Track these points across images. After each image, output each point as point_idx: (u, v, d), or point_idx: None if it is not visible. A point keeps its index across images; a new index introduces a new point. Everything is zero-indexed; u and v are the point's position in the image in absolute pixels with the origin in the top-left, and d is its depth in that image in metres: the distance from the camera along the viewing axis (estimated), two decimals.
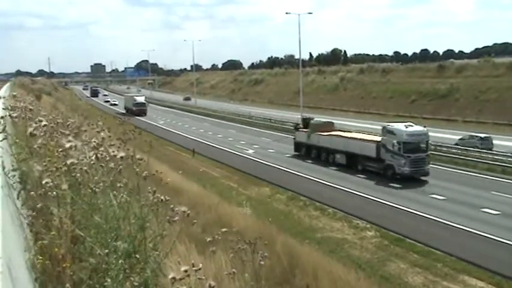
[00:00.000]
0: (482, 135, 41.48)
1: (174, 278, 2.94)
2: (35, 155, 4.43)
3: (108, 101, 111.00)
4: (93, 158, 3.81)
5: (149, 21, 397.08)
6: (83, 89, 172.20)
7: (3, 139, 4.39)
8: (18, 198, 3.98)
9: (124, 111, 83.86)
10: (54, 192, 3.53)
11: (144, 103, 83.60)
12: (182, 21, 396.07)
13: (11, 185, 4.01)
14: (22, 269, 3.06)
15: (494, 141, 40.21)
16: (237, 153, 43.92)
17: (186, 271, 3.00)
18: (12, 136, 4.85)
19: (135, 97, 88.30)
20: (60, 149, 3.83)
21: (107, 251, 3.34)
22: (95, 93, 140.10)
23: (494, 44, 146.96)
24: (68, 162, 3.54)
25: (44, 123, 4.55)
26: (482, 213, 23.80)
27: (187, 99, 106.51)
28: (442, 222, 22.79)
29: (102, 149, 4.02)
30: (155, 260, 3.53)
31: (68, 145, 3.64)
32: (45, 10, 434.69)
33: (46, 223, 3.61)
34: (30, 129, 4.17)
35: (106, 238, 3.45)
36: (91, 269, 3.33)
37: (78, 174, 3.68)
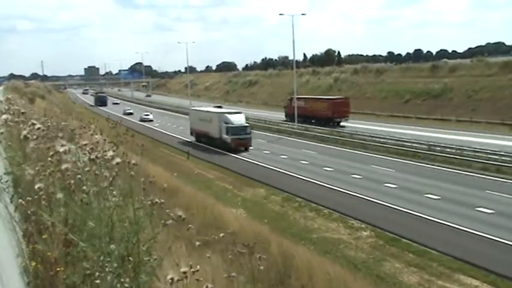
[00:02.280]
0: (219, 105, 75.43)
1: (172, 279, 2.93)
2: (28, 158, 4.41)
3: (130, 113, 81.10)
4: (86, 161, 3.79)
5: (142, 23, 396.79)
6: (83, 93, 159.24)
7: None
8: (11, 203, 3.96)
9: (187, 138, 53.22)
10: (47, 197, 3.51)
11: (247, 127, 45.31)
12: (175, 23, 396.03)
13: (3, 189, 3.99)
14: (14, 273, 3.04)
15: (488, 141, 40.82)
16: (231, 154, 43.89)
17: (184, 272, 3.00)
18: (6, 140, 4.82)
19: (228, 116, 46.30)
20: (52, 153, 3.80)
21: (100, 256, 3.32)
22: (101, 101, 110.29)
23: (487, 43, 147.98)
24: (63, 167, 3.52)
25: (37, 126, 4.52)
26: (477, 212, 23.88)
27: (149, 96, 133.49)
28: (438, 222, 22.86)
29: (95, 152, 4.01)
30: (149, 263, 3.52)
31: (61, 149, 3.62)
32: (37, 13, 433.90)
33: (39, 227, 3.59)
34: (24, 133, 4.15)
35: (99, 242, 3.43)
36: (84, 273, 3.31)
37: (72, 181, 3.66)
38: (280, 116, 69.44)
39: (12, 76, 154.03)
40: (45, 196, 3.57)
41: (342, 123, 59.99)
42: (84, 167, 3.83)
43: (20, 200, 3.79)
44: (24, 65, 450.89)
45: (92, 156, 3.91)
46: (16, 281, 3.03)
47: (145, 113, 76.74)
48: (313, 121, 60.73)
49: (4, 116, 4.12)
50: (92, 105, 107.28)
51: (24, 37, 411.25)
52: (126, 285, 3.24)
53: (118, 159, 3.77)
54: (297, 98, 62.85)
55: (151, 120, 72.14)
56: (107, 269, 3.30)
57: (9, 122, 4.11)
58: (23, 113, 4.90)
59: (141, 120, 71.32)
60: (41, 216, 3.60)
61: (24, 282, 3.19)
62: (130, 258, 3.39)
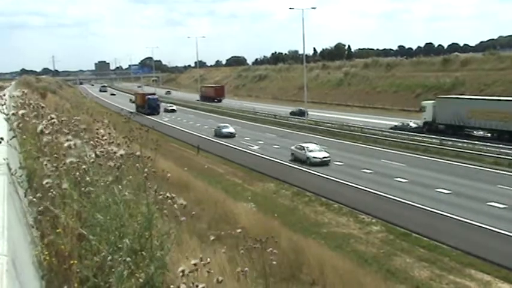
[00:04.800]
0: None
1: (183, 271, 2.94)
2: (42, 153, 4.44)
3: (231, 135, 50.11)
4: (93, 156, 3.83)
5: (152, 18, 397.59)
6: (100, 91, 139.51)
7: (13, 137, 4.40)
8: (25, 197, 3.99)
9: None
10: (58, 191, 3.54)
11: None
12: (184, 18, 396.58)
13: (18, 183, 4.03)
14: (28, 266, 3.07)
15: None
16: (242, 149, 43.94)
17: (195, 265, 3.02)
18: (21, 134, 4.86)
19: None
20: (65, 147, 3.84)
21: (111, 249, 3.35)
22: (152, 108, 73.25)
23: (500, 36, 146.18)
24: (67, 161, 3.55)
25: (52, 121, 4.56)
26: (489, 207, 23.71)
27: (140, 87, 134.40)
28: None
29: (105, 147, 4.04)
30: (161, 257, 3.54)
31: (66, 144, 3.64)
32: (48, 8, 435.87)
33: (52, 221, 3.62)
34: (39, 127, 4.18)
35: (111, 236, 3.45)
36: (97, 266, 3.34)
37: (78, 173, 3.69)
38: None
39: (23, 71, 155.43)
40: (57, 190, 3.60)
41: (352, 117, 60.67)
42: (90, 160, 3.86)
43: (34, 194, 3.83)
44: (35, 60, 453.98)
45: (98, 151, 3.94)
46: (31, 274, 3.06)
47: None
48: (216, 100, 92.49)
49: (20, 111, 4.15)
50: (132, 112, 63.72)
51: (36, 33, 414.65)
52: (141, 280, 3.26)
53: (122, 152, 3.79)
54: (202, 86, 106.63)
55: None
56: (118, 263, 3.33)
57: (26, 117, 4.14)
58: (37, 108, 4.93)
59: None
60: (54, 210, 3.63)
61: (39, 275, 3.22)
62: (143, 252, 3.42)
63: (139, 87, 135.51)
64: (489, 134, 41.45)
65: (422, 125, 47.15)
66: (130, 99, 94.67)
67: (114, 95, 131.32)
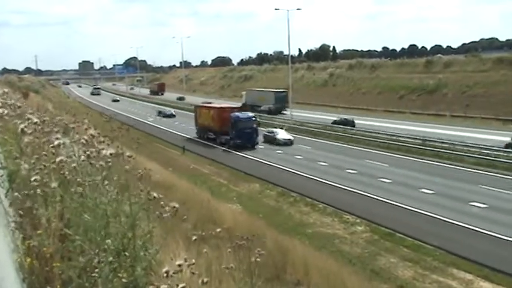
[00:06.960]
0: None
1: (167, 272, 2.92)
2: (24, 153, 4.38)
3: None
4: (82, 155, 3.78)
5: (136, 18, 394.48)
6: (92, 94, 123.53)
7: None
8: (6, 197, 3.92)
9: None
10: (42, 191, 3.49)
11: None
12: (169, 18, 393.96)
13: None
14: (9, 269, 3.02)
15: (482, 136, 40.94)
16: (227, 150, 43.84)
17: (180, 265, 2.99)
18: (2, 134, 4.78)
19: None
20: (51, 146, 3.78)
21: (97, 250, 3.31)
22: (245, 136, 42.57)
23: (481, 39, 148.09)
24: (57, 160, 3.50)
25: (34, 120, 4.49)
26: (471, 206, 23.99)
27: (114, 84, 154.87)
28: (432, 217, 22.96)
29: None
30: (145, 257, 3.51)
31: (56, 142, 3.60)
32: (30, 7, 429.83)
33: (34, 222, 3.56)
34: (21, 126, 4.11)
35: (95, 236, 3.41)
36: (80, 267, 3.30)
37: (67, 172, 3.64)
38: None
39: (5, 70, 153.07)
40: (40, 190, 3.55)
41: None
42: (79, 159, 3.81)
43: (16, 194, 3.77)
44: (17, 60, 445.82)
45: (88, 151, 3.89)
46: (11, 278, 3.01)
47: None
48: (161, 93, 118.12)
49: (1, 110, 4.08)
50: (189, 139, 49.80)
51: (18, 31, 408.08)
52: (124, 279, 3.23)
53: (111, 150, 3.75)
54: (153, 83, 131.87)
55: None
56: (103, 264, 3.29)
57: (5, 116, 4.08)
58: (19, 107, 4.86)
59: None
60: (36, 211, 3.58)
61: (20, 278, 3.17)
62: (126, 253, 3.38)
63: (113, 85, 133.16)
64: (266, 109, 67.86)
65: (241, 105, 62.99)
66: (160, 112, 74.62)
67: (117, 101, 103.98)
